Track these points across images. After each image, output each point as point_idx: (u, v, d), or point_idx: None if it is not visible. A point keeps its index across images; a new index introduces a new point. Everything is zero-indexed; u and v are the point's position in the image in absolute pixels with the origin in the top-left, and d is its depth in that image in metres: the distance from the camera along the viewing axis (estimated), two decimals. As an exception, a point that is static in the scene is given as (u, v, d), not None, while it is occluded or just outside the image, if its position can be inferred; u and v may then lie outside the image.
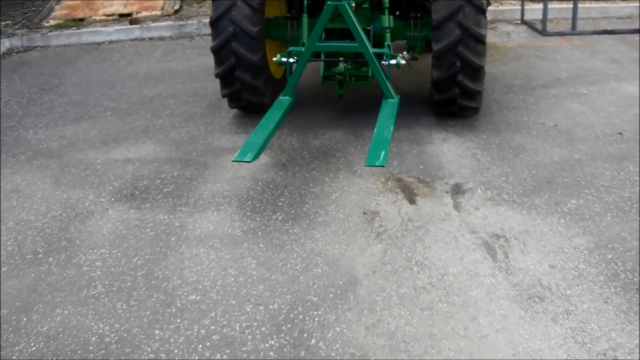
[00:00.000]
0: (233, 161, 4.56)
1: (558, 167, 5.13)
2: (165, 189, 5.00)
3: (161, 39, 9.75)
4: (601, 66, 7.68)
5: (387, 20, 5.71)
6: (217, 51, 5.73)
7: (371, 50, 5.25)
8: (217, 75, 5.85)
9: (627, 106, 6.34)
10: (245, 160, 4.51)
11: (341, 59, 5.69)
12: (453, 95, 5.66)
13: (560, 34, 9.13)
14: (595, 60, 7.93)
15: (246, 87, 5.82)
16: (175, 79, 7.66)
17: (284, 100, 5.53)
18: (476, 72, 5.54)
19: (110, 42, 9.71)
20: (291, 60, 5.58)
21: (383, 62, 5.43)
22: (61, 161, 5.62)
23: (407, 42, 6.19)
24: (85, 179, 5.26)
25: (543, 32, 9.15)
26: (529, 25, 9.64)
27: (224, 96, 6.02)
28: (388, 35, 5.69)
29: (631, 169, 5.05)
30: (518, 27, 9.61)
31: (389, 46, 5.59)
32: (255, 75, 5.76)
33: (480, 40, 5.44)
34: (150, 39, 9.79)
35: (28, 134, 6.29)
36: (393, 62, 5.45)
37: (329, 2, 4.96)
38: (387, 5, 5.70)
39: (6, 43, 9.51)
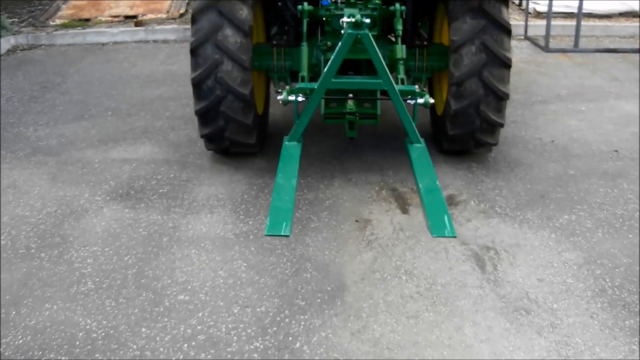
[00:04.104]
0: (266, 235, 3.91)
1: (552, 182, 5.15)
2: (161, 190, 5.04)
3: (165, 41, 9.81)
4: (601, 84, 7.71)
5: (400, 50, 4.99)
6: (198, 83, 4.93)
7: (397, 87, 4.50)
8: (197, 112, 5.06)
9: (625, 124, 6.37)
10: (283, 234, 3.76)
11: (350, 95, 4.97)
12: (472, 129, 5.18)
13: (563, 51, 9.17)
14: (596, 77, 7.97)
15: (232, 126, 5.08)
16: (176, 82, 7.70)
17: (291, 146, 4.64)
18: (494, 128, 5.19)
19: (115, 43, 9.76)
20: (300, 99, 4.65)
21: (408, 101, 4.67)
22: (59, 159, 5.66)
23: (411, 73, 5.52)
24: (82, 177, 5.29)
25: (545, 49, 9.19)
26: (532, 41, 9.68)
27: (202, 136, 5.24)
28: (402, 67, 4.97)
29: (625, 187, 5.07)
30: (521, 42, 9.65)
31: (402, 80, 4.90)
32: (244, 111, 5.02)
33: (502, 98, 5.03)
34: (155, 41, 9.84)
35: (28, 130, 6.33)
36: (421, 100, 4.64)
37: (349, 32, 4.17)
38: (400, 33, 5.04)
39: (11, 40, 9.57)
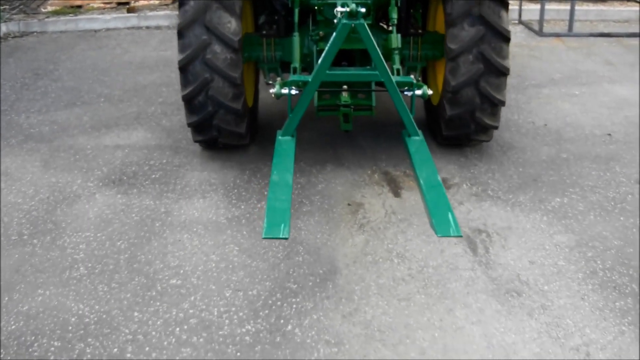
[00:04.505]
0: (264, 238, 3.71)
1: (545, 165, 5.16)
2: (153, 175, 5.03)
3: (158, 27, 9.78)
4: (595, 68, 7.72)
5: (395, 39, 4.85)
6: (189, 100, 4.85)
7: (394, 78, 4.37)
8: (190, 125, 5.02)
9: (618, 108, 6.38)
10: (282, 237, 3.59)
11: (344, 87, 4.83)
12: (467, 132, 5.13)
13: (557, 35, 9.17)
14: (589, 62, 7.97)
15: (225, 134, 5.04)
16: (169, 68, 7.67)
17: (285, 141, 4.46)
18: (488, 130, 5.17)
19: (107, 29, 9.73)
20: (293, 92, 4.51)
21: (406, 93, 4.53)
22: (51, 145, 5.64)
23: (406, 62, 5.37)
24: (74, 164, 5.28)
25: (539, 33, 9.19)
26: (526, 25, 9.67)
27: (196, 141, 5.22)
28: (397, 57, 4.84)
29: (617, 170, 5.08)
30: (515, 26, 9.62)
31: (398, 70, 4.76)
32: (237, 122, 4.96)
33: (498, 105, 4.99)
34: (147, 27, 9.81)
35: (20, 118, 6.31)
36: (419, 92, 4.51)
37: (344, 22, 4.02)
38: (395, 22, 4.89)
39: (3, 28, 9.52)
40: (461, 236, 3.86)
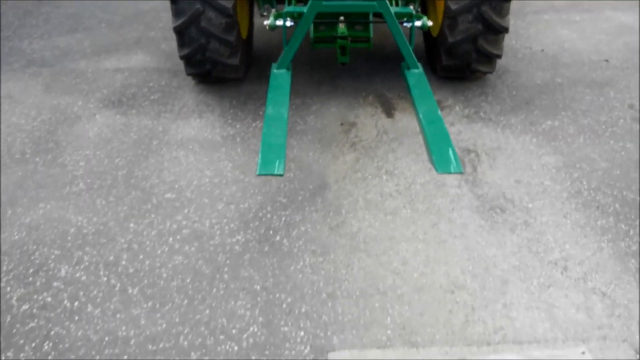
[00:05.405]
0: (259, 175, 3.75)
1: (538, 89, 5.19)
2: (152, 97, 5.12)
3: (161, -47, 9.65)
4: (599, -6, 7.61)
5: None
6: (189, 59, 4.88)
7: (392, 9, 4.28)
8: (182, 57, 4.94)
9: (618, 35, 6.34)
10: (277, 173, 3.58)
11: (341, 18, 4.73)
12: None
13: (563, -38, 8.98)
14: (594, -12, 7.85)
15: (219, 67, 4.97)
16: (170, -7, 7.63)
17: (280, 75, 4.45)
18: (484, 74, 5.24)
19: (110, -45, 9.62)
20: (288, 23, 4.47)
21: (405, 24, 4.49)
22: (53, 69, 5.71)
23: None
24: (75, 87, 5.36)
25: (546, -40, 9.01)
26: (533, -48, 9.47)
27: (189, 74, 5.14)
28: None
29: (612, 95, 5.11)
30: (521, -47, 9.44)
31: (396, 1, 4.65)
32: (231, 53, 4.87)
33: (494, 57, 4.98)
34: (150, -47, 9.69)
35: (23, 44, 6.36)
36: (418, 23, 4.50)
37: None
38: None
39: (5, -47, 9.43)
40: (462, 172, 3.91)
